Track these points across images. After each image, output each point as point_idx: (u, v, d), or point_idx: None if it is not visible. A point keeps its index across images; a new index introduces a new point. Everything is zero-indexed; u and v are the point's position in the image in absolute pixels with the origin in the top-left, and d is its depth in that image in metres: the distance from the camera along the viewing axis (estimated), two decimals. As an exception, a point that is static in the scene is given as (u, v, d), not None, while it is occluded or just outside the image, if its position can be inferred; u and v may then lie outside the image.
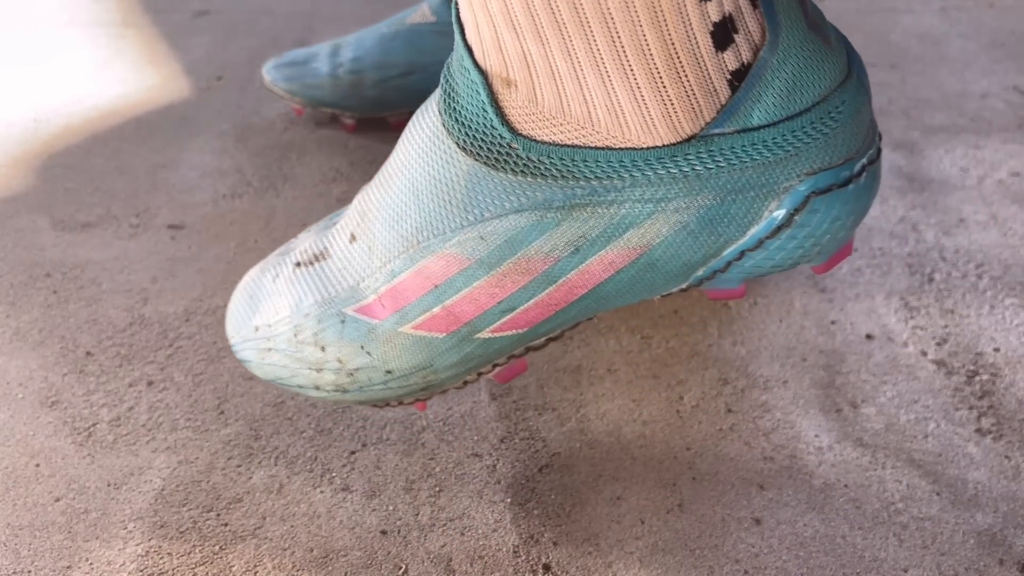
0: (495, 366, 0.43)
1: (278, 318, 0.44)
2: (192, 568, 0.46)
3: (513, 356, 0.42)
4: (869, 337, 0.61)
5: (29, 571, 0.46)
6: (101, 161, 0.81)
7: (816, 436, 0.54)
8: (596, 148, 0.34)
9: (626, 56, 0.31)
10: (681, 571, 0.46)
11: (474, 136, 0.36)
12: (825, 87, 0.33)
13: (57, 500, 0.50)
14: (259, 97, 0.91)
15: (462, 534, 0.48)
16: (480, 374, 0.43)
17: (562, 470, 0.52)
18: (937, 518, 0.49)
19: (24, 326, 0.62)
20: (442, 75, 0.38)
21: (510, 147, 0.36)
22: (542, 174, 0.35)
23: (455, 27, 0.38)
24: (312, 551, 0.47)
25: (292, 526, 0.49)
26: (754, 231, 0.36)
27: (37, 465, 0.52)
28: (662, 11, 0.30)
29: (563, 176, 0.35)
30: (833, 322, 0.62)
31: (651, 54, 0.31)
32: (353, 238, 0.41)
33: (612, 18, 0.31)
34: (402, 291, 0.40)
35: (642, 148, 0.33)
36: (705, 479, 0.51)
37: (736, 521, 0.49)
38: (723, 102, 0.32)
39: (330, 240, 0.43)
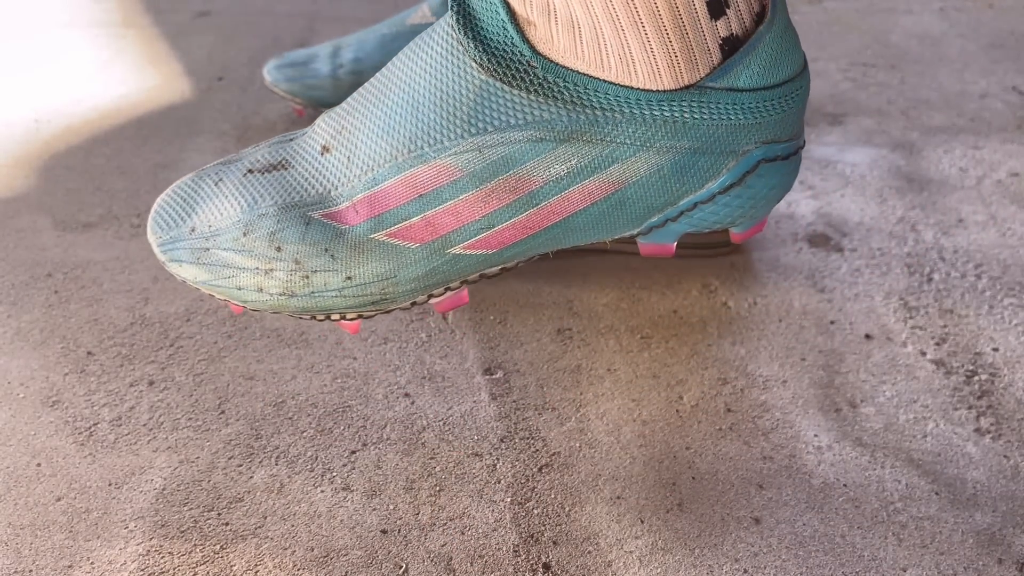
0: (447, 290, 0.44)
1: (222, 217, 0.44)
2: (193, 567, 0.46)
3: (466, 282, 0.44)
4: (868, 337, 0.61)
5: (30, 570, 0.46)
6: (102, 161, 0.81)
7: (815, 436, 0.54)
8: (609, 82, 0.38)
9: (638, 14, 0.36)
10: (680, 570, 0.46)
11: (493, 53, 0.38)
12: (793, 70, 0.39)
13: (58, 499, 0.50)
14: (260, 98, 0.91)
15: (462, 533, 0.48)
16: (431, 296, 0.44)
17: (562, 470, 0.52)
18: (936, 517, 0.49)
19: (25, 326, 0.62)
20: (451, 2, 0.40)
21: (529, 64, 0.38)
22: (554, 96, 0.38)
23: None
24: (313, 550, 0.47)
25: (293, 525, 0.49)
26: (710, 185, 0.41)
27: (38, 465, 0.52)
28: None
29: (572, 101, 0.38)
30: (832, 322, 0.62)
31: (660, 14, 0.36)
32: (326, 150, 0.43)
33: None
34: (382, 198, 0.41)
35: (647, 90, 0.38)
36: (704, 478, 0.51)
37: (735, 520, 0.49)
38: (715, 63, 0.37)
39: (291, 152, 0.44)
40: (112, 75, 0.95)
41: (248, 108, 0.89)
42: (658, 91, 0.38)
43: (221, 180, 0.45)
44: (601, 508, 0.50)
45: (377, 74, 0.43)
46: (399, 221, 0.41)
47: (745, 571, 0.46)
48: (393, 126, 0.41)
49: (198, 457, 0.53)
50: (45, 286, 0.66)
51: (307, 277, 0.43)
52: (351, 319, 0.45)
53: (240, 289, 0.44)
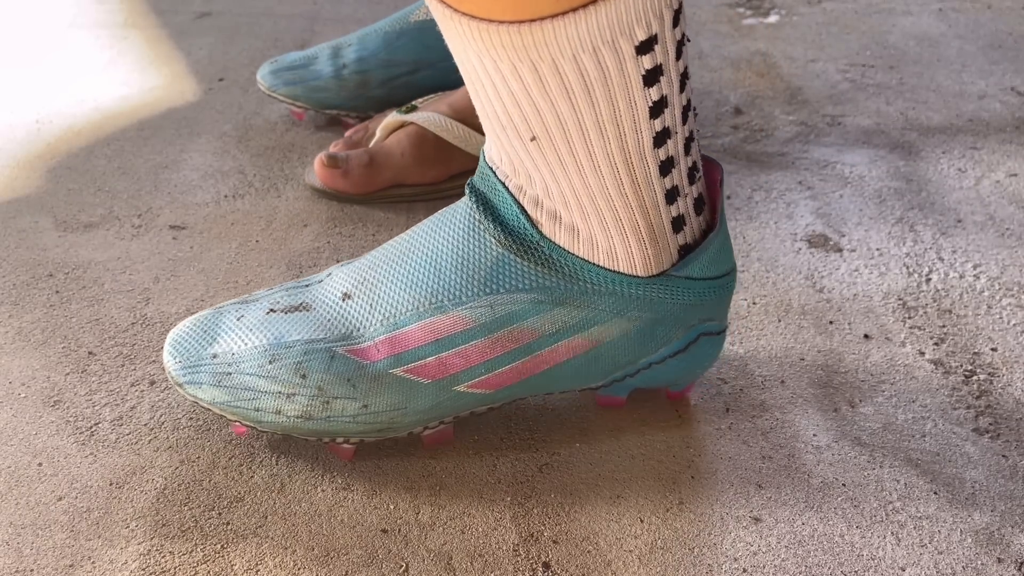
0: (440, 423, 0.52)
1: (247, 347, 0.51)
2: (194, 566, 0.47)
3: (456, 417, 0.52)
4: (867, 337, 0.61)
5: (32, 570, 0.46)
6: (103, 162, 0.81)
7: (814, 435, 0.54)
8: (598, 266, 0.49)
9: (626, 231, 0.48)
10: (680, 569, 0.47)
11: (509, 233, 0.49)
12: (728, 268, 0.52)
13: (59, 499, 0.50)
14: (260, 98, 0.91)
15: (462, 532, 0.49)
16: (426, 428, 0.52)
17: (562, 469, 0.52)
18: (935, 517, 0.49)
19: (27, 326, 0.62)
20: (468, 187, 0.50)
21: (538, 245, 0.49)
22: (555, 270, 0.49)
23: (482, 157, 0.51)
24: (313, 549, 0.48)
25: (293, 525, 0.49)
26: (663, 350, 0.52)
27: (40, 464, 0.52)
28: (648, 208, 0.47)
29: (568, 275, 0.49)
30: (831, 322, 0.62)
31: (641, 230, 0.48)
32: (347, 296, 0.51)
33: (617, 207, 0.47)
34: (403, 340, 0.49)
35: (627, 275, 0.49)
36: (704, 478, 0.51)
37: (735, 520, 0.49)
38: (674, 260, 0.50)
39: (310, 297, 0.52)
40: (113, 76, 0.95)
41: (249, 109, 0.90)
42: (634, 276, 0.49)
43: (243, 316, 0.52)
44: (601, 508, 0.50)
45: (395, 240, 0.53)
46: (416, 360, 0.49)
47: (744, 570, 0.47)
48: (416, 282, 0.50)
49: (199, 457, 0.53)
50: (46, 286, 0.66)
51: (327, 403, 0.49)
52: (353, 443, 0.51)
53: (258, 411, 0.50)
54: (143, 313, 0.64)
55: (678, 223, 0.49)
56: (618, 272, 0.49)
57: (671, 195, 0.48)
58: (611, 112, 0.43)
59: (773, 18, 1.10)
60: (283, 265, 0.68)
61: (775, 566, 0.47)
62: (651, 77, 0.43)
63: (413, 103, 0.77)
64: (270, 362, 0.50)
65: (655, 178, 0.46)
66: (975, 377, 0.58)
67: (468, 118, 0.74)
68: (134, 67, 0.97)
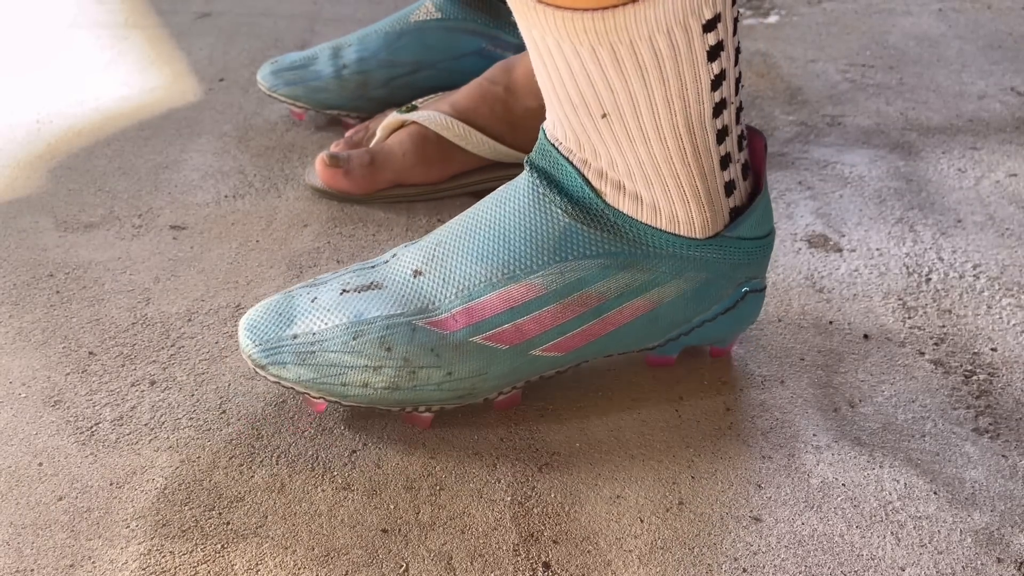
0: (512, 388, 0.55)
1: (328, 326, 0.53)
2: (194, 566, 0.47)
3: (528, 382, 0.55)
4: (867, 337, 0.61)
5: (32, 570, 0.46)
6: (104, 162, 0.81)
7: (814, 435, 0.54)
8: (660, 229, 0.52)
9: (687, 196, 0.51)
10: (680, 569, 0.47)
11: (576, 203, 0.52)
12: (769, 229, 0.55)
13: (60, 499, 0.50)
14: (261, 98, 0.91)
15: (462, 532, 0.49)
16: (501, 393, 0.54)
17: (562, 470, 0.52)
18: (935, 517, 0.49)
19: (27, 326, 0.62)
20: (527, 163, 0.54)
21: (603, 213, 0.52)
22: (620, 236, 0.52)
23: (542, 135, 0.54)
24: (313, 549, 0.48)
25: (293, 524, 0.49)
26: (715, 307, 0.55)
27: (40, 464, 0.52)
28: (706, 174, 0.51)
29: (632, 240, 0.52)
30: (831, 322, 0.63)
31: (700, 195, 0.51)
32: (418, 273, 0.54)
33: (680, 175, 0.50)
34: (479, 309, 0.52)
35: (687, 237, 0.52)
36: (704, 478, 0.51)
37: (735, 519, 0.49)
38: (726, 222, 0.53)
39: (379, 276, 0.55)
40: (114, 76, 0.95)
41: (249, 109, 0.90)
42: (692, 238, 0.52)
43: (317, 298, 0.54)
44: (601, 507, 0.50)
45: (458, 219, 0.56)
46: (493, 327, 0.52)
47: (744, 570, 0.47)
48: (486, 254, 0.53)
49: (199, 457, 0.53)
50: (47, 286, 0.66)
51: (413, 372, 0.52)
52: (433, 411, 0.54)
53: (345, 385, 0.52)
54: (143, 313, 0.64)
55: (730, 187, 0.53)
56: (678, 235, 0.52)
57: (725, 161, 0.51)
58: (679, 87, 0.47)
59: (773, 18, 1.10)
60: (283, 265, 0.68)
61: (775, 566, 0.47)
62: (714, 52, 0.47)
63: (413, 103, 0.77)
64: (354, 338, 0.52)
65: (712, 146, 0.50)
66: (975, 377, 0.58)
67: (469, 117, 0.74)
68: (134, 67, 0.97)
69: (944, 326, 0.62)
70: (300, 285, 0.56)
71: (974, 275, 0.67)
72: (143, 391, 0.57)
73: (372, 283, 0.55)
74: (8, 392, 0.57)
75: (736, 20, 0.49)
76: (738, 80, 0.50)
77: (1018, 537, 0.48)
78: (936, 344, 0.61)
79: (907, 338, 0.61)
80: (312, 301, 0.54)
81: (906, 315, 0.63)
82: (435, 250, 0.55)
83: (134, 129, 0.86)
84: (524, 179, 0.54)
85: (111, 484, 0.51)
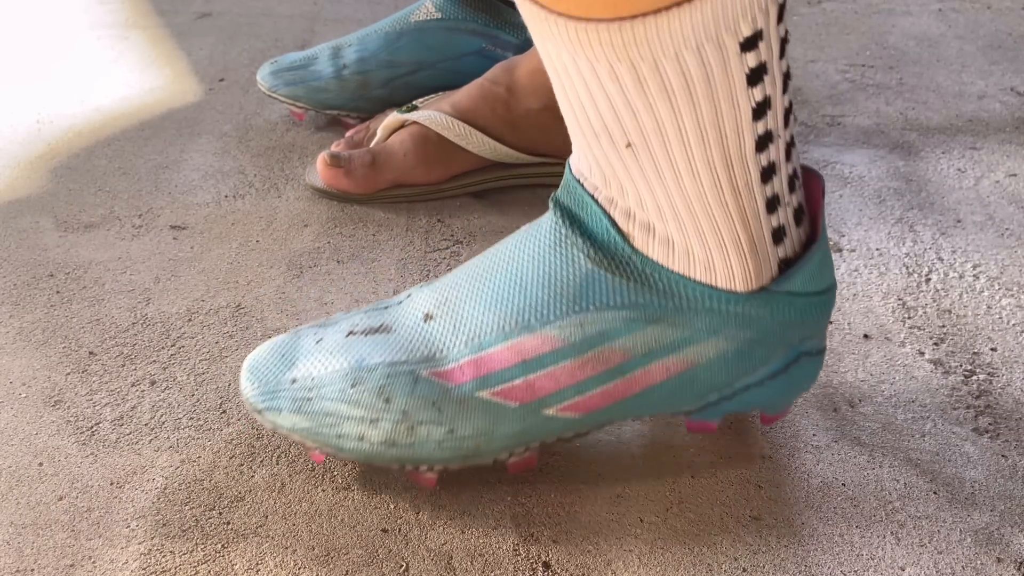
0: (526, 449, 0.49)
1: (328, 371, 0.49)
2: (194, 566, 0.47)
3: (543, 443, 0.50)
4: (866, 337, 0.61)
5: (32, 569, 0.47)
6: (104, 162, 0.81)
7: (814, 435, 0.54)
8: (696, 280, 0.46)
9: (724, 241, 0.45)
10: (680, 569, 0.47)
11: (600, 247, 0.47)
12: (828, 283, 0.48)
13: (60, 499, 0.50)
14: (261, 98, 0.91)
15: (462, 532, 0.49)
16: (511, 454, 0.49)
17: (562, 469, 0.52)
18: (934, 516, 0.49)
19: (27, 326, 0.62)
20: (552, 202, 0.48)
21: (630, 259, 0.47)
22: (649, 285, 0.46)
23: (567, 170, 0.48)
24: (314, 549, 0.48)
25: (294, 524, 0.49)
26: (761, 371, 0.48)
27: (40, 464, 0.52)
28: (748, 218, 0.45)
29: (663, 291, 0.46)
30: (831, 322, 0.63)
31: (740, 241, 0.45)
32: (429, 317, 0.49)
33: (716, 216, 0.44)
34: (488, 361, 0.47)
35: (726, 290, 0.46)
36: (704, 478, 0.52)
37: (735, 519, 0.49)
38: (774, 274, 0.47)
39: (389, 318, 0.51)
40: (114, 76, 0.96)
41: (249, 109, 0.90)
42: (733, 291, 0.46)
43: (322, 339, 0.50)
44: (601, 507, 0.50)
45: (477, 259, 0.51)
46: (503, 382, 0.47)
47: (744, 569, 0.47)
48: (500, 301, 0.48)
49: (199, 456, 0.53)
50: (47, 286, 0.66)
51: (412, 428, 0.47)
52: (436, 471, 0.49)
53: (340, 437, 0.48)
54: (143, 313, 0.64)
55: (778, 234, 0.46)
56: (716, 287, 0.46)
57: (772, 204, 0.45)
58: (713, 114, 0.41)
59: (773, 18, 1.10)
60: (283, 265, 0.68)
61: (775, 565, 0.47)
62: (755, 76, 0.41)
63: (414, 103, 0.77)
64: (352, 386, 0.48)
65: (756, 185, 0.44)
66: (975, 377, 0.58)
67: (470, 117, 0.74)
68: (135, 67, 0.97)
69: (944, 326, 0.62)
70: (310, 324, 0.53)
71: (974, 275, 0.67)
72: (143, 391, 0.57)
73: (381, 326, 0.50)
74: (8, 392, 0.57)
75: (784, 40, 0.42)
76: (788, 110, 0.44)
77: (1018, 537, 0.48)
78: (936, 344, 0.61)
79: (907, 338, 0.61)
80: (317, 343, 0.50)
81: (906, 315, 0.63)
82: (448, 292, 0.50)
83: (134, 129, 0.86)
84: (548, 218, 0.49)
85: (111, 484, 0.51)
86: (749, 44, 0.40)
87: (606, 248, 0.47)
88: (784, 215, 0.46)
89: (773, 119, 0.43)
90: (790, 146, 0.45)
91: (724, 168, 0.43)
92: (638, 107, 0.41)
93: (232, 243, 0.71)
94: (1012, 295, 0.65)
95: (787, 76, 0.43)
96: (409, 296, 0.52)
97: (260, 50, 1.02)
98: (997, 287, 0.66)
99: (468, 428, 0.47)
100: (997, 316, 0.63)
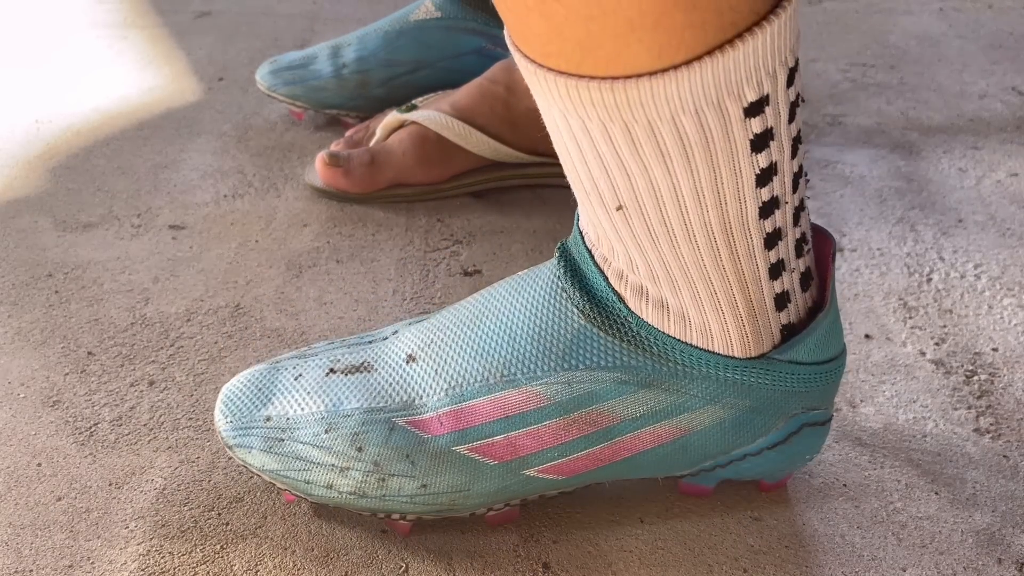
0: (506, 506, 0.48)
1: (303, 413, 0.47)
2: (193, 567, 0.47)
3: (525, 500, 0.48)
4: (868, 337, 0.61)
5: (31, 570, 0.46)
6: (103, 162, 0.81)
7: (815, 435, 0.54)
8: (692, 345, 0.44)
9: (721, 306, 0.43)
10: (680, 569, 0.47)
11: (596, 304, 0.45)
12: (837, 351, 0.46)
13: (59, 499, 0.50)
14: (260, 98, 0.91)
15: (462, 532, 0.48)
16: (491, 510, 0.47)
17: (562, 469, 0.52)
18: (935, 517, 0.49)
19: (26, 326, 0.62)
20: (558, 250, 0.46)
21: (626, 320, 0.44)
22: (642, 348, 0.44)
23: (576, 219, 0.46)
24: (313, 550, 0.48)
25: (293, 525, 0.49)
26: (760, 441, 0.46)
27: (39, 464, 0.52)
28: (748, 284, 0.42)
29: (657, 355, 0.44)
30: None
31: (738, 306, 0.43)
32: (411, 359, 0.47)
33: (713, 281, 0.42)
34: (469, 414, 0.45)
35: (724, 356, 0.44)
36: (704, 478, 0.51)
37: (735, 520, 0.49)
38: (776, 342, 0.44)
39: (373, 355, 0.48)
40: (113, 75, 0.95)
41: (248, 108, 0.89)
42: (731, 357, 0.44)
43: (301, 376, 0.48)
44: (601, 508, 0.50)
45: (469, 300, 0.49)
46: (483, 438, 0.45)
47: (744, 570, 0.46)
48: (487, 350, 0.46)
49: (199, 457, 0.53)
50: (46, 286, 0.66)
51: (383, 480, 0.45)
52: (410, 520, 0.47)
53: (308, 483, 0.46)
54: (142, 313, 0.63)
55: (781, 300, 0.44)
56: (713, 353, 0.44)
57: (775, 269, 0.43)
58: (712, 179, 0.39)
59: (773, 18, 1.10)
60: (283, 265, 0.68)
61: (775, 566, 0.47)
62: (760, 142, 0.38)
63: (413, 102, 0.77)
64: (326, 431, 0.46)
65: (759, 251, 0.41)
66: (976, 377, 0.58)
67: (469, 117, 0.74)
68: (134, 67, 0.97)
69: (945, 326, 0.62)
70: (291, 354, 0.51)
71: (975, 275, 0.67)
72: (142, 391, 0.57)
73: (363, 364, 0.48)
74: (7, 392, 0.57)
75: (795, 104, 0.39)
76: (797, 175, 0.41)
77: (1019, 538, 0.48)
78: (937, 344, 0.61)
79: (908, 338, 0.61)
80: (296, 379, 0.48)
81: (907, 315, 0.63)
82: (434, 335, 0.48)
83: (133, 129, 0.86)
84: (549, 266, 0.47)
85: (110, 484, 0.51)
86: (754, 110, 0.38)
87: (602, 306, 0.45)
88: (789, 280, 0.43)
89: (780, 185, 0.40)
90: (799, 210, 0.42)
91: (723, 234, 0.41)
92: (632, 169, 0.39)
93: (231, 243, 0.71)
94: (1013, 295, 0.65)
95: (797, 140, 0.41)
96: (396, 333, 0.50)
97: (259, 49, 1.02)
98: (998, 287, 0.66)
99: (442, 484, 0.46)
100: (998, 316, 0.63)
